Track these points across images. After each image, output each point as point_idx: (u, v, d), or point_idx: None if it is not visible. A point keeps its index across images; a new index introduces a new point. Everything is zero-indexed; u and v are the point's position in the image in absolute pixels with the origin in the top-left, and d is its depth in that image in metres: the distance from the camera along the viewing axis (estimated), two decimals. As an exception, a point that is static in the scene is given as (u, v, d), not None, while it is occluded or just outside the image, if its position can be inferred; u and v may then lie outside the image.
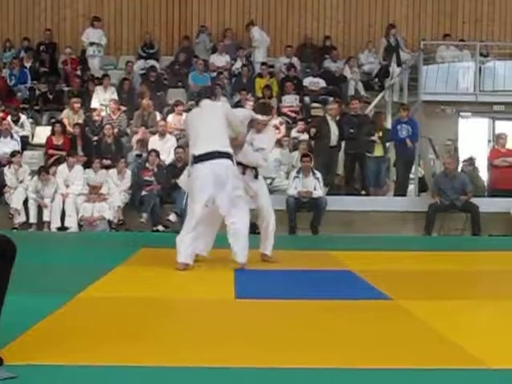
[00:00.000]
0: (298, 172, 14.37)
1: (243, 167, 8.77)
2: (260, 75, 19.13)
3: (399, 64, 19.15)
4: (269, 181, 13.82)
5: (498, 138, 16.65)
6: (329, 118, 15.55)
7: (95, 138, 16.24)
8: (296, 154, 15.52)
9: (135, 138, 16.19)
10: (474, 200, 14.63)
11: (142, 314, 5.80)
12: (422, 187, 16.22)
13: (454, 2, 21.41)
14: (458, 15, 21.44)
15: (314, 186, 14.24)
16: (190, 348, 4.67)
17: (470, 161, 16.59)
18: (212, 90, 9.38)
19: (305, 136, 16.26)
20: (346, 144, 15.66)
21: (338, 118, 15.80)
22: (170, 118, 16.85)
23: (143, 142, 15.90)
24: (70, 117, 16.65)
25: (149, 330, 5.13)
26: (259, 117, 8.93)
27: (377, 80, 19.75)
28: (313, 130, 15.56)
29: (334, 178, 15.65)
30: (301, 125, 16.75)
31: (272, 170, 14.81)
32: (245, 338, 4.97)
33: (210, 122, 8.40)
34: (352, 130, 15.47)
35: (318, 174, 14.37)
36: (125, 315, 5.74)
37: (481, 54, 18.20)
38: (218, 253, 8.56)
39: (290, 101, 18.26)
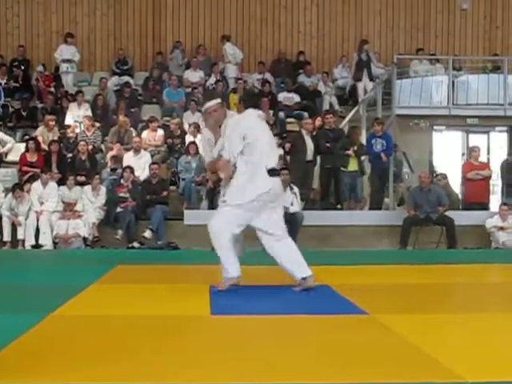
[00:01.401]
0: (274, 186, 14.30)
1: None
2: (234, 90, 19.16)
3: (371, 79, 19.25)
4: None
5: (471, 151, 16.75)
6: (304, 132, 15.59)
7: (69, 155, 16.17)
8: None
9: (110, 154, 16.14)
10: (449, 213, 14.69)
11: (116, 332, 5.74)
12: (401, 201, 16.32)
13: (426, 16, 21.59)
14: (430, 29, 21.62)
15: (291, 200, 14.19)
16: (166, 365, 4.63)
17: (445, 175, 16.69)
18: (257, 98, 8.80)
19: (280, 151, 16.25)
20: (321, 158, 15.71)
21: (314, 132, 15.86)
22: (145, 134, 16.83)
23: (117, 159, 15.85)
24: (45, 134, 16.58)
25: (123, 349, 5.08)
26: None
27: (349, 96, 19.86)
28: (287, 145, 15.60)
29: (310, 193, 15.67)
30: (275, 140, 16.72)
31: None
32: (222, 355, 4.93)
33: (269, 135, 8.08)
34: (328, 144, 15.52)
35: (296, 189, 14.36)
36: (99, 333, 5.68)
37: (454, 68, 18.33)
38: (194, 268, 8.52)
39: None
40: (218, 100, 8.25)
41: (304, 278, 7.78)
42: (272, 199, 7.71)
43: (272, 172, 7.65)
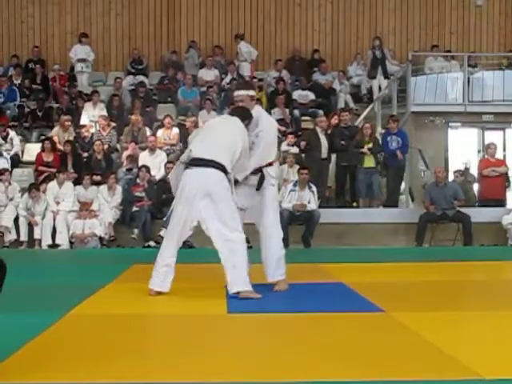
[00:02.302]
0: (294, 185, 14.35)
1: None
2: (249, 89, 19.13)
3: (386, 76, 19.20)
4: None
5: (487, 148, 16.68)
6: (319, 130, 15.57)
7: (85, 155, 16.21)
8: (285, 167, 15.52)
9: (125, 153, 16.17)
10: (465, 210, 14.64)
11: (133, 331, 5.76)
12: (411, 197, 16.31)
13: (441, 13, 21.52)
14: (445, 26, 21.55)
15: (309, 199, 14.23)
16: (183, 364, 4.64)
17: (462, 171, 16.66)
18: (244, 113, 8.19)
19: (295, 149, 16.27)
20: (337, 156, 15.69)
21: (329, 130, 15.84)
22: (160, 133, 16.85)
23: (133, 158, 15.88)
24: (60, 134, 16.62)
25: (141, 347, 5.10)
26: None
27: (367, 94, 19.82)
28: (303, 143, 15.58)
29: (325, 191, 15.66)
30: (290, 138, 16.74)
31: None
32: (238, 353, 4.94)
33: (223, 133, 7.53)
34: (343, 142, 15.50)
35: (314, 188, 14.36)
36: (117, 332, 5.70)
37: (469, 65, 18.26)
38: (210, 267, 8.53)
39: (280, 114, 18.27)
40: (250, 92, 7.97)
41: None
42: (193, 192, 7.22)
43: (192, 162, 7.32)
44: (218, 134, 7.50)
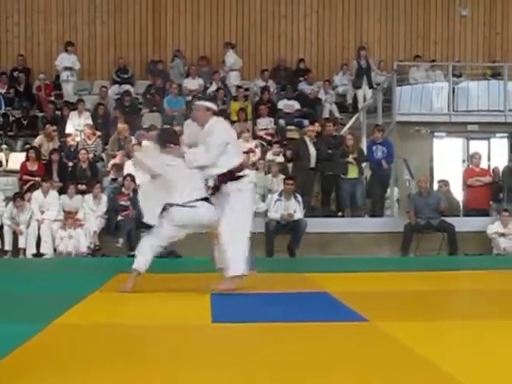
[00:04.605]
0: (279, 195, 14.35)
1: None
2: (235, 98, 19.15)
3: (371, 86, 19.25)
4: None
5: (472, 158, 16.75)
6: (307, 139, 15.60)
7: (70, 164, 16.15)
8: (270, 177, 15.53)
9: (111, 162, 16.12)
10: (450, 219, 14.68)
11: (118, 341, 5.74)
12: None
13: (426, 23, 21.60)
14: (430, 36, 21.63)
15: (295, 208, 14.25)
16: (167, 374, 4.62)
17: (446, 181, 16.69)
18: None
19: (280, 158, 16.27)
20: (322, 165, 15.70)
21: (315, 139, 15.87)
22: (145, 142, 16.79)
23: (118, 167, 15.83)
24: (44, 143, 16.56)
25: (124, 357, 5.07)
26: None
27: (352, 103, 19.85)
28: (289, 152, 15.60)
29: (311, 200, 15.67)
30: (276, 147, 16.74)
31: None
32: (221, 363, 4.93)
33: None
34: (330, 151, 15.53)
35: (299, 197, 14.39)
36: (102, 342, 5.68)
37: (454, 75, 18.34)
38: (196, 276, 8.53)
39: (265, 124, 18.28)
40: (207, 104, 8.38)
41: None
42: None
43: None
44: None
